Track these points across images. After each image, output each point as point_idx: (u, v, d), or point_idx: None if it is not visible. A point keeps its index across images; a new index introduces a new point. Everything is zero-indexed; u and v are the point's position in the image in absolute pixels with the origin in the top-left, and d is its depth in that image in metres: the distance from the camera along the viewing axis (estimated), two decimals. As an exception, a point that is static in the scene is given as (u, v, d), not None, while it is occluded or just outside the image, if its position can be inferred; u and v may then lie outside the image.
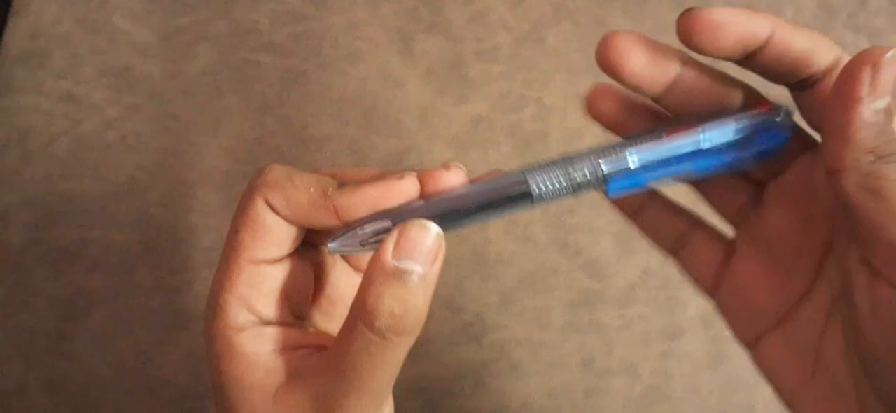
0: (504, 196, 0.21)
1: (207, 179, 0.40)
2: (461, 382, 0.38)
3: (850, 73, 0.19)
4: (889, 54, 0.19)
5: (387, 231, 0.21)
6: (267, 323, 0.22)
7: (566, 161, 0.22)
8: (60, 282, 0.38)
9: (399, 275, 0.20)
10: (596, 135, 0.41)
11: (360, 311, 0.20)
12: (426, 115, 0.41)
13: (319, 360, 0.21)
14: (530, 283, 0.39)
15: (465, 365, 0.38)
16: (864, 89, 0.19)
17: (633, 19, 0.41)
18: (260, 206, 0.21)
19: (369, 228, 0.21)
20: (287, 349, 0.22)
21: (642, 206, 0.26)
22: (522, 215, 0.39)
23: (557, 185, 0.22)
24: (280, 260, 0.22)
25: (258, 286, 0.22)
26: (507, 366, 0.38)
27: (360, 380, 0.20)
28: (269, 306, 0.22)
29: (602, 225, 0.39)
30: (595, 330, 0.38)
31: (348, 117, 0.41)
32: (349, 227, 0.21)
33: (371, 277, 0.20)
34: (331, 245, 0.21)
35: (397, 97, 0.41)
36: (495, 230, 0.39)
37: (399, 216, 0.21)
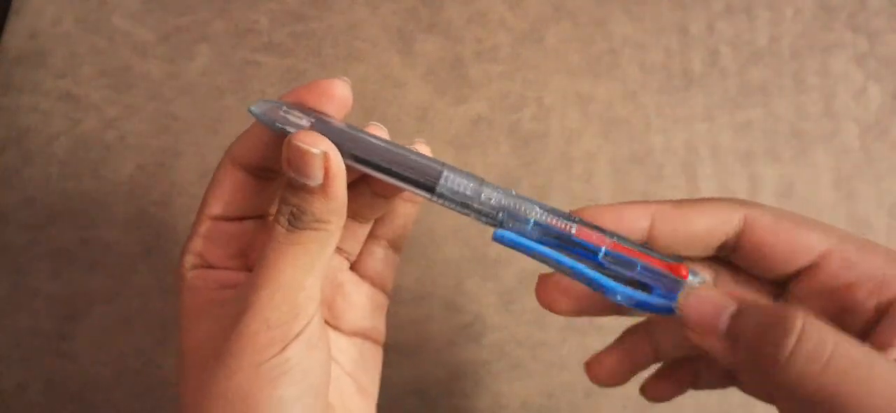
0: (413, 171, 0.23)
1: (207, 179, 0.40)
2: (461, 382, 0.38)
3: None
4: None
5: (301, 128, 0.22)
6: (215, 267, 0.25)
7: (480, 180, 0.23)
8: (60, 282, 0.38)
9: (294, 183, 0.22)
10: (595, 135, 0.41)
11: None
12: (426, 115, 0.41)
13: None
14: (530, 284, 0.39)
15: (465, 365, 0.38)
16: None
17: (633, 19, 0.41)
18: (222, 170, 0.24)
19: (292, 116, 0.22)
20: (229, 286, 0.24)
21: (695, 376, 0.28)
22: (522, 215, 0.39)
23: (461, 192, 0.23)
24: (239, 219, 0.25)
25: (212, 238, 0.24)
26: (507, 366, 0.38)
27: (269, 269, 0.22)
28: (219, 256, 0.25)
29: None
30: (595, 330, 0.38)
31: (348, 117, 0.41)
32: (278, 103, 0.22)
33: (283, 181, 0.22)
34: (252, 107, 0.22)
35: (397, 97, 0.41)
36: (495, 230, 0.39)
37: (318, 124, 0.22)
